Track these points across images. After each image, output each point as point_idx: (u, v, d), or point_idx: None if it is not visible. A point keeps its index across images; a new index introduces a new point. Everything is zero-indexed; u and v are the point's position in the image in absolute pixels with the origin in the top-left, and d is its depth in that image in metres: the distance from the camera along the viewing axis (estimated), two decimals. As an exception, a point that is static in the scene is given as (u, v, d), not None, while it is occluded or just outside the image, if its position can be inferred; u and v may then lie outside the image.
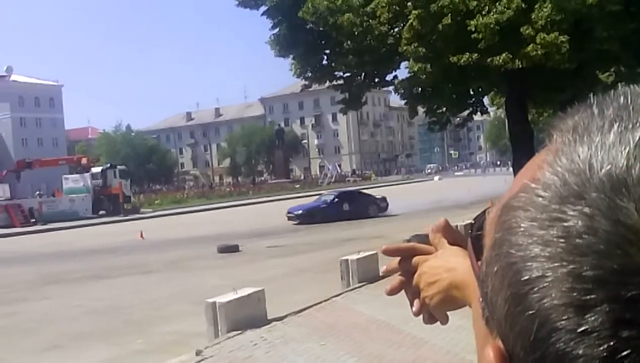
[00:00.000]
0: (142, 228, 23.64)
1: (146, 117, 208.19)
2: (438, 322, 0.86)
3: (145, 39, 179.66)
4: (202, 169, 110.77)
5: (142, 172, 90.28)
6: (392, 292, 0.89)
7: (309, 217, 25.57)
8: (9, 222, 34.96)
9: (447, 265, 0.80)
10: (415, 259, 0.86)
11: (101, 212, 40.16)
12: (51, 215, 36.89)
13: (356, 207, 26.33)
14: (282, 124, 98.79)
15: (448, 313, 0.84)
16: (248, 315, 7.41)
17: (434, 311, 0.83)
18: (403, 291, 0.88)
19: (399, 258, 0.89)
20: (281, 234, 22.12)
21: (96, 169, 43.63)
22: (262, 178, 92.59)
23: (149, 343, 8.19)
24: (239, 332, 7.15)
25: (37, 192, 51.39)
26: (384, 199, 27.58)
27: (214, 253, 17.36)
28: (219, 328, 7.19)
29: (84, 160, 45.53)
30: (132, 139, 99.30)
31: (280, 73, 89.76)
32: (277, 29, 20.69)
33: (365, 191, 31.54)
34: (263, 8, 20.70)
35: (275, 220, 24.55)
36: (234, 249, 17.81)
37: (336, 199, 27.15)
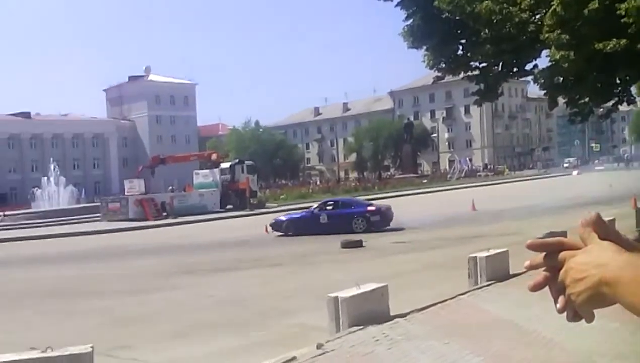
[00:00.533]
0: (267, 223, 24.34)
1: (274, 113, 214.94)
2: (568, 323, 0.86)
3: (274, 37, 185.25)
4: (328, 164, 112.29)
5: (269, 167, 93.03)
6: (536, 287, 0.89)
7: (287, 228, 23.30)
8: (143, 216, 37.31)
9: (598, 260, 0.78)
10: (562, 254, 0.84)
11: (228, 207, 41.79)
12: (182, 209, 38.93)
13: (335, 220, 22.76)
14: (412, 118, 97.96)
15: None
16: (370, 311, 7.39)
17: (580, 309, 0.81)
18: (547, 287, 0.88)
19: (543, 253, 0.88)
20: (406, 230, 21.93)
21: (225, 165, 45.45)
22: (389, 173, 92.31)
23: (271, 334, 8.40)
24: (361, 327, 7.14)
25: (170, 187, 54.41)
26: (377, 212, 22.81)
27: (337, 248, 17.53)
28: (341, 322, 7.22)
29: (213, 156, 47.64)
30: (260, 135, 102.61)
31: (410, 65, 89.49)
32: (411, 20, 20.54)
33: (363, 200, 26.69)
34: (397, -1, 20.65)
35: (401, 215, 24.36)
36: (357, 244, 17.88)
37: (316, 210, 23.98)
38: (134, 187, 41.86)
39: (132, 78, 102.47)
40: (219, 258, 18.17)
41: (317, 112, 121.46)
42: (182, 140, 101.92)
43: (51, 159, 63.03)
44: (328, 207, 23.95)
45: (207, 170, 46.02)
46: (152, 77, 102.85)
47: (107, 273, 16.55)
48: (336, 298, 7.31)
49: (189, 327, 9.22)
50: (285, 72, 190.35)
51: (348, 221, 22.45)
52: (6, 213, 45.56)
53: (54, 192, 50.17)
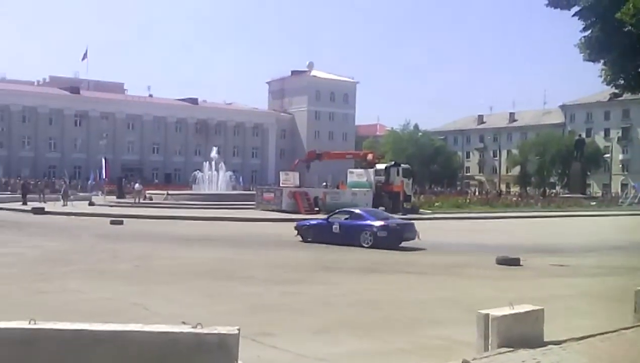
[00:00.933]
0: (419, 229, 24.08)
1: (435, 118, 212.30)
2: None
3: (438, 40, 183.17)
4: (488, 175, 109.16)
5: (425, 173, 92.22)
6: None
7: (306, 234, 22.81)
8: (296, 208, 38.43)
9: None
10: None
11: (380, 209, 41.92)
12: (333, 206, 39.44)
13: (346, 231, 21.85)
14: (583, 135, 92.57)
15: None
16: (523, 333, 7.05)
17: None
18: None
19: None
20: (569, 253, 20.77)
21: (380, 166, 45.61)
22: (554, 191, 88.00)
23: (412, 343, 8.27)
24: (511, 349, 6.83)
25: (324, 183, 55.61)
26: (385, 228, 21.16)
27: (492, 264, 16.96)
28: (490, 341, 6.96)
29: (369, 156, 47.97)
30: (418, 139, 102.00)
31: (585, 79, 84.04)
32: (589, 31, 19.46)
33: (382, 214, 24.62)
34: (575, 8, 19.65)
35: (565, 236, 23.12)
36: (514, 262, 17.16)
37: (331, 218, 23.05)
38: (289, 179, 43.24)
39: (294, 72, 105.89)
40: (363, 258, 18.27)
41: (480, 120, 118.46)
42: (339, 137, 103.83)
43: (213, 145, 66.91)
44: (343, 217, 22.89)
45: (361, 170, 46.44)
46: (314, 72, 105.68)
47: (257, 261, 17.22)
48: (487, 315, 7.04)
49: (329, 324, 9.33)
50: (449, 76, 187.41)
51: (357, 234, 21.47)
52: (170, 192, 49.02)
53: (213, 177, 53.11)
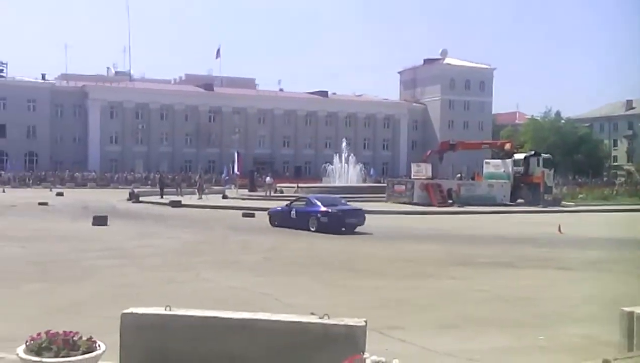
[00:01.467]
0: (561, 222, 23.13)
1: (579, 105, 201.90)
2: None
3: (581, 22, 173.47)
4: (638, 165, 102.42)
5: (569, 163, 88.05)
6: None
7: (273, 219, 25.24)
8: (428, 201, 38.02)
9: None
10: None
11: (519, 201, 40.60)
12: (468, 198, 38.83)
13: (299, 217, 23.82)
14: None
15: None
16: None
17: None
18: None
19: None
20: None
21: (519, 156, 44.18)
22: None
23: (551, 341, 7.96)
24: (659, 350, 6.37)
25: (458, 174, 54.56)
26: (326, 214, 22.93)
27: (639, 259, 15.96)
28: (634, 341, 6.54)
29: (507, 146, 46.56)
30: (561, 127, 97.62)
31: None
32: None
33: (334, 200, 25.33)
34: None
35: None
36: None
37: (290, 205, 25.57)
38: (421, 171, 42.82)
39: (427, 61, 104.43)
40: (500, 252, 17.77)
41: (629, 105, 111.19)
42: (474, 126, 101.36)
43: (343, 138, 67.58)
44: (300, 204, 24.93)
45: (498, 160, 45.27)
46: (448, 60, 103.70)
47: (383, 254, 17.22)
48: (631, 313, 6.62)
49: (459, 319, 9.18)
50: (593, 60, 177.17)
51: (306, 219, 23.33)
52: (300, 185, 50.05)
53: (343, 169, 53.62)
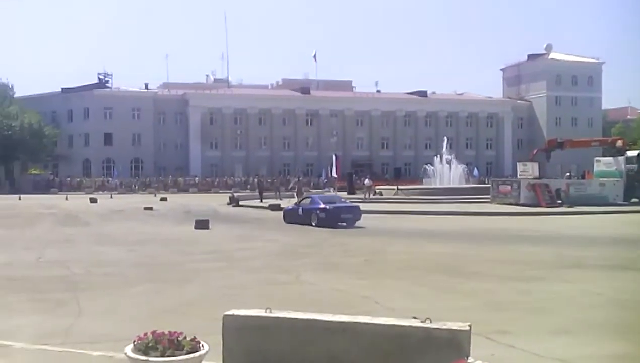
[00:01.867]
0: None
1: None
2: None
3: None
4: None
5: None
6: None
7: (285, 217, 29.02)
8: (535, 201, 36.89)
9: None
10: None
11: (633, 200, 38.73)
12: (578, 198, 37.38)
13: (305, 214, 27.52)
14: None
15: None
16: None
17: None
18: None
19: None
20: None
21: (632, 153, 42.22)
22: None
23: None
24: None
25: (567, 174, 52.69)
26: (324, 210, 26.54)
27: None
28: None
29: (619, 143, 44.51)
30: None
31: None
32: None
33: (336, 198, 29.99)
34: None
35: None
36: None
37: (299, 203, 29.77)
38: (527, 170, 41.61)
39: (531, 57, 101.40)
40: (612, 255, 16.97)
41: None
42: (583, 123, 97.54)
43: (445, 138, 66.65)
44: (307, 202, 28.76)
45: (610, 158, 43.39)
46: (553, 55, 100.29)
47: (489, 256, 16.82)
48: None
49: (572, 324, 8.81)
50: None
51: (310, 215, 26.91)
52: (400, 187, 49.77)
53: (445, 170, 52.91)
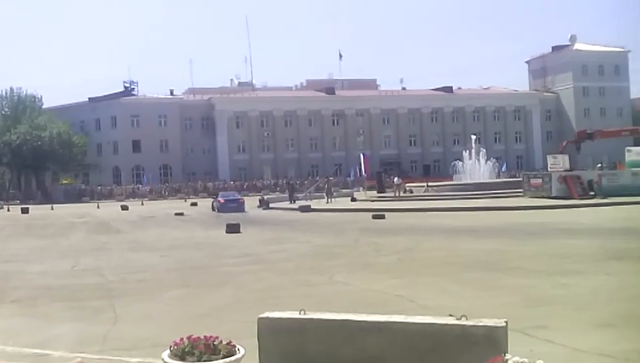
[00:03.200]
0: None
1: None
2: None
3: None
4: None
5: None
6: None
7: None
8: (567, 194, 36.43)
9: None
10: None
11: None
12: (611, 189, 36.83)
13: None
14: None
15: None
16: None
17: None
18: None
19: None
20: None
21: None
22: None
23: None
24: None
25: (598, 165, 51.96)
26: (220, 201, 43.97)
27: None
28: None
29: (647, 132, 43.93)
30: None
31: None
32: None
33: None
34: None
35: None
36: None
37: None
38: (558, 162, 41.13)
39: (556, 48, 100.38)
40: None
41: None
42: (612, 113, 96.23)
43: (472, 133, 66.20)
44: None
45: (640, 148, 42.77)
46: (577, 46, 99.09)
47: (525, 251, 16.64)
48: None
49: (615, 317, 8.62)
50: None
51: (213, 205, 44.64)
52: (429, 183, 49.55)
53: (474, 166, 52.55)
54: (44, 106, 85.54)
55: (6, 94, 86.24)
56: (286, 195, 50.65)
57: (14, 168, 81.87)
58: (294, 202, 45.62)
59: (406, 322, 5.44)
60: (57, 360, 7.31)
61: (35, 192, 79.32)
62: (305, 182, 64.37)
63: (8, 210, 55.70)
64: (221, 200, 43.23)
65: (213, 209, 43.27)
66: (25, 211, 49.86)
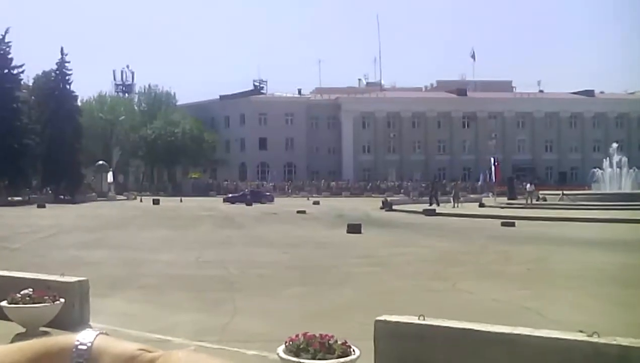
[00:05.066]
0: None
1: None
2: None
3: None
4: None
5: None
6: None
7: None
8: None
9: None
10: None
11: None
12: None
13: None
14: None
15: None
16: None
17: None
18: None
19: None
20: None
21: None
22: None
23: None
24: None
25: None
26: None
27: None
28: None
29: None
30: None
31: None
32: None
33: None
34: None
35: None
36: None
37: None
38: None
39: None
40: None
41: None
42: None
43: (614, 141, 62.90)
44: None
45: None
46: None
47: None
48: None
49: None
50: None
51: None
52: (565, 192, 47.64)
53: (615, 175, 49.98)
54: (177, 103, 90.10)
55: (144, 90, 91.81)
56: (410, 198, 50.23)
57: (147, 161, 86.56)
58: (438, 204, 44.76)
59: (533, 335, 5.25)
60: (177, 346, 7.61)
61: (166, 184, 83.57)
62: (434, 183, 63.53)
63: (141, 201, 59.10)
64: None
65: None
66: (156, 202, 52.88)
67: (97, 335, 0.80)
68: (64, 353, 0.78)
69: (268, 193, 62.22)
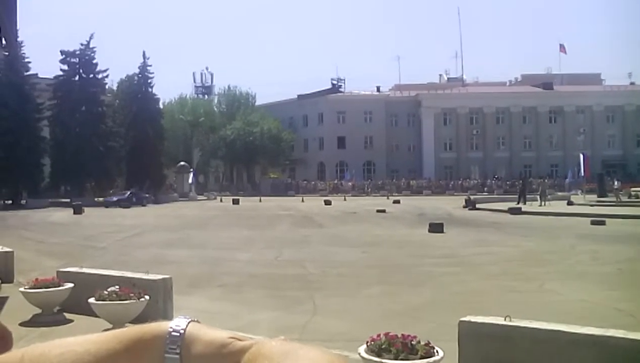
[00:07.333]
0: None
1: None
2: None
3: None
4: None
5: None
6: None
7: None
8: None
9: None
10: None
11: None
12: None
13: None
14: None
15: None
16: None
17: None
18: None
19: None
20: None
21: None
22: None
23: None
24: None
25: None
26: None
27: None
28: None
29: None
30: None
31: None
32: None
33: None
34: None
35: None
36: None
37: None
38: None
39: None
40: None
41: None
42: None
43: None
44: None
45: None
46: None
47: None
48: None
49: None
50: None
51: None
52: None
53: None
54: (256, 103, 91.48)
55: (224, 92, 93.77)
56: (495, 196, 49.21)
57: (227, 161, 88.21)
58: (525, 203, 43.64)
59: (625, 337, 5.05)
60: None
61: (245, 184, 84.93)
62: (522, 180, 62.07)
63: (221, 200, 60.24)
64: None
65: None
66: (236, 202, 53.71)
67: (189, 322, 0.82)
68: (158, 340, 0.80)
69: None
